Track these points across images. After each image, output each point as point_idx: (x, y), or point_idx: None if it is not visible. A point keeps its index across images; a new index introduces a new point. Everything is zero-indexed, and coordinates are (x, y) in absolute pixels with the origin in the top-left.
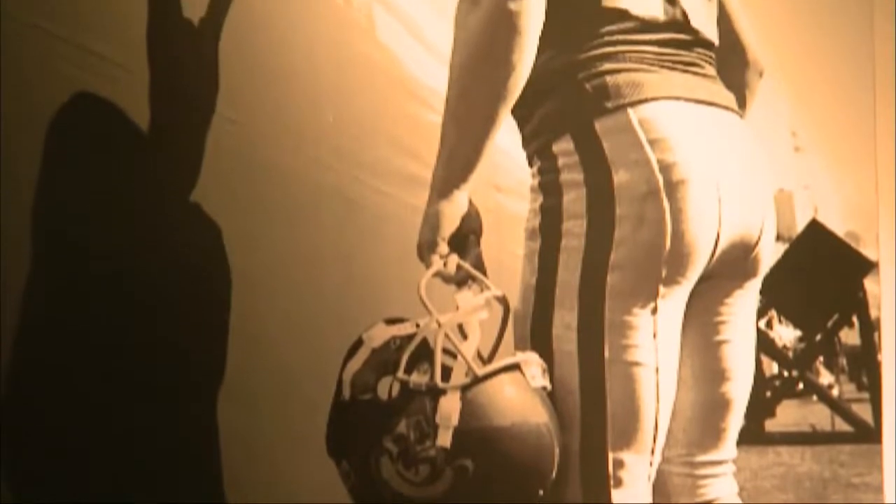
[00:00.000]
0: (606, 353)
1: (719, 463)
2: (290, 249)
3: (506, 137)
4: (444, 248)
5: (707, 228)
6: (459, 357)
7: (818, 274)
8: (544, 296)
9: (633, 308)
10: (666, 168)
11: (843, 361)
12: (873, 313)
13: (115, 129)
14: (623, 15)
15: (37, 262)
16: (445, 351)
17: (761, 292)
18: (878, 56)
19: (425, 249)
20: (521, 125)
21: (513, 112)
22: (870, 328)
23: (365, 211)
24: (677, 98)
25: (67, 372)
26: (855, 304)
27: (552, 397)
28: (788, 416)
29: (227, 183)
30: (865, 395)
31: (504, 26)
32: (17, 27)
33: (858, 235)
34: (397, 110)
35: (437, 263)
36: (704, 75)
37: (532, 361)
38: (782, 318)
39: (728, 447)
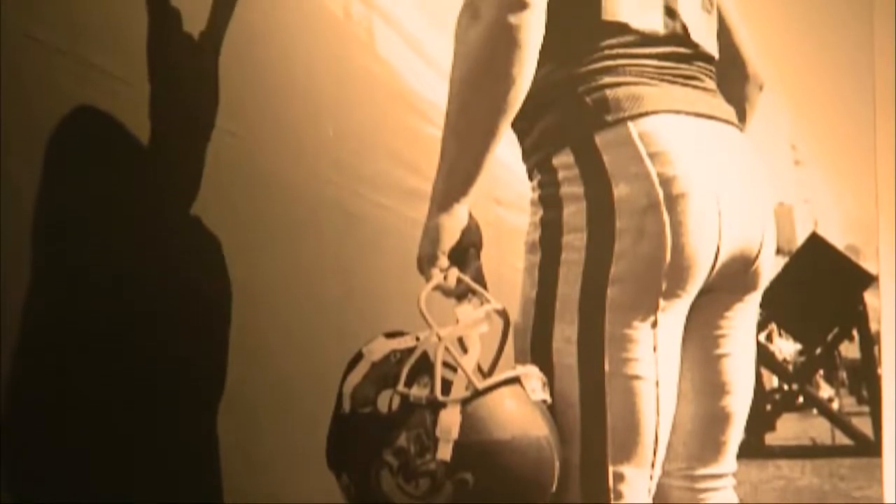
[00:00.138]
0: (606, 367)
1: (719, 476)
2: (290, 263)
3: (506, 151)
4: (444, 261)
5: (707, 242)
6: (459, 370)
7: (818, 287)
8: (544, 309)
9: (634, 321)
10: (666, 181)
11: (843, 375)
12: (873, 327)
13: (115, 142)
14: (623, 28)
15: (37, 275)
16: (445, 364)
17: (761, 306)
18: (878, 69)
19: (425, 263)
20: (522, 138)
21: (513, 125)
22: (870, 342)
23: (365, 224)
24: (677, 111)
25: (67, 383)
26: (855, 318)
27: (552, 410)
28: (788, 429)
29: (227, 196)
30: (865, 408)
31: (504, 40)
32: (18, 40)
33: (858, 249)
34: (397, 124)
35: (437, 277)
36: (704, 89)
37: (532, 375)
38: (782, 332)
39: (728, 460)
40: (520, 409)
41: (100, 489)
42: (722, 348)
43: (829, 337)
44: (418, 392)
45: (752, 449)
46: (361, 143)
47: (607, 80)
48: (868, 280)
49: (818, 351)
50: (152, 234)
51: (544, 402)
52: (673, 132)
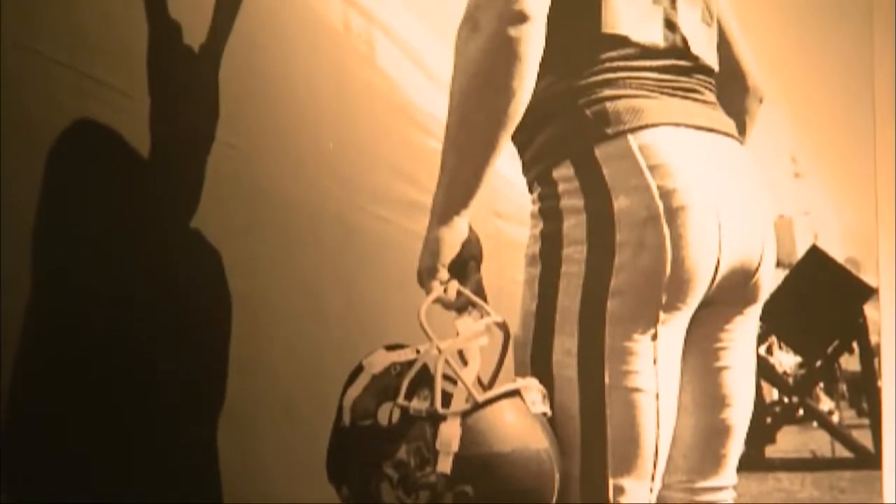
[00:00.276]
0: (607, 379)
1: (719, 489)
2: (290, 275)
3: (506, 163)
4: (444, 274)
5: (707, 254)
6: (460, 383)
7: (818, 300)
8: (544, 322)
9: (634, 334)
10: (666, 194)
11: (844, 387)
12: (873, 339)
13: (115, 155)
14: (623, 41)
15: (37, 287)
16: (446, 377)
17: (761, 318)
18: (877, 82)
19: (425, 275)
20: (522, 151)
21: (513, 138)
22: (870, 354)
23: (365, 237)
24: (677, 124)
25: (67, 397)
26: (855, 330)
27: (552, 423)
28: (789, 442)
29: (227, 208)
30: (866, 421)
31: (504, 52)
32: (18, 52)
33: (858, 261)
34: (397, 136)
35: (437, 289)
36: (704, 101)
37: (532, 387)
38: (782, 344)
39: (728, 473)
40: (520, 422)
41: (100, 501)
42: (722, 361)
43: (830, 349)
44: (418, 405)
45: (753, 462)
46: (361, 156)
47: (607, 92)
48: (868, 293)
49: (818, 363)
50: (152, 246)
51: (544, 414)
52: (673, 145)
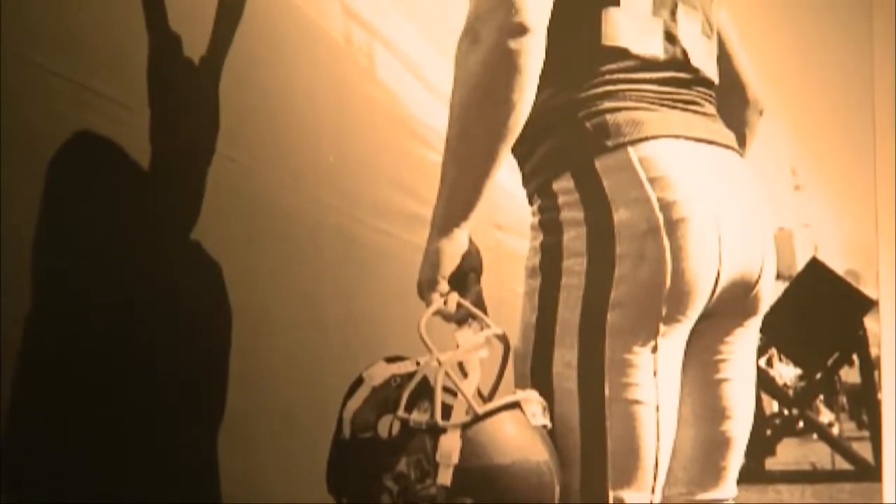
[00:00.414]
0: (607, 392)
1: (720, 501)
2: (290, 288)
3: (506, 175)
4: (444, 286)
5: (707, 267)
6: (460, 395)
7: (818, 312)
8: (544, 334)
9: (634, 346)
10: (666, 206)
11: (844, 400)
12: (873, 351)
13: (115, 167)
14: (623, 54)
15: (38, 299)
16: (446, 389)
17: (761, 330)
18: (877, 94)
19: (425, 287)
20: (522, 163)
21: (513, 150)
22: (870, 366)
23: (365, 249)
24: (677, 136)
25: (67, 409)
26: (855, 343)
27: (552, 435)
28: (789, 454)
29: (227, 221)
30: (866, 433)
31: (504, 65)
32: (18, 63)
33: (858, 274)
34: (398, 149)
35: (437, 301)
36: (704, 114)
37: (532, 399)
38: (783, 357)
39: (728, 486)
40: (520, 434)
41: (100, 503)
42: (722, 373)
43: (830, 362)
44: (418, 417)
45: (753, 474)
46: (362, 169)
47: (607, 104)
48: (868, 305)
49: (818, 376)
50: (152, 258)
51: (544, 426)
52: (673, 157)
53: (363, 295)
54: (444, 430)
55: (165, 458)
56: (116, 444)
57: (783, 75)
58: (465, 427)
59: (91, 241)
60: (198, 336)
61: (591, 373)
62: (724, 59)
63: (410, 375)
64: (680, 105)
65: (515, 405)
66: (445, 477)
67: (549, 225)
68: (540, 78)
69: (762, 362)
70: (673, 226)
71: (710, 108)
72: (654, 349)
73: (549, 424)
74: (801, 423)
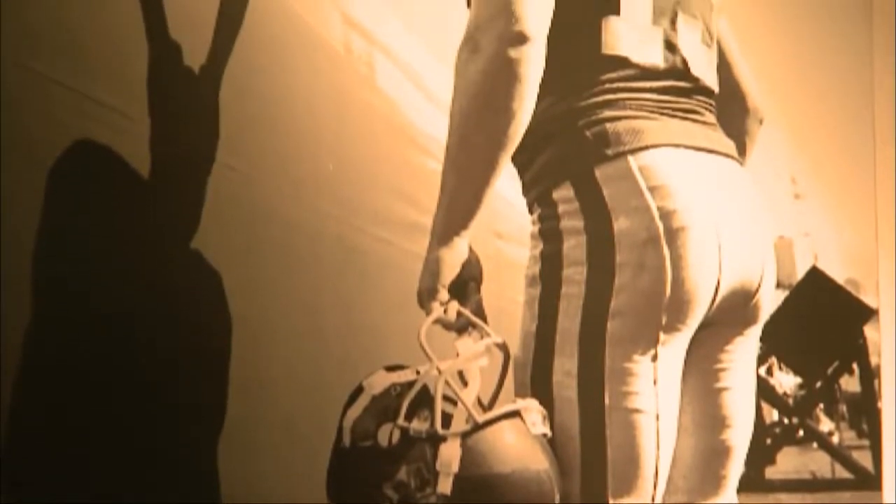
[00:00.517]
0: (607, 400)
1: None
2: (290, 297)
3: (506, 184)
4: (444, 294)
5: (707, 275)
6: (460, 404)
7: (818, 321)
8: (544, 342)
9: (634, 355)
10: (666, 215)
11: (844, 408)
12: (873, 360)
13: (115, 176)
14: (623, 62)
15: (38, 308)
16: (446, 398)
17: (761, 339)
18: (877, 103)
19: (425, 296)
20: (522, 172)
21: (513, 159)
22: (870, 375)
23: (365, 258)
24: (677, 145)
25: (67, 419)
26: (855, 351)
27: (552, 444)
28: (789, 463)
29: (227, 230)
30: (866, 442)
31: (504, 74)
32: (18, 73)
33: (858, 282)
34: (398, 158)
35: (437, 310)
36: (704, 122)
37: (532, 408)
38: (783, 365)
39: (728, 494)
40: (520, 443)
41: None
42: (722, 382)
43: (830, 370)
44: (418, 425)
45: (753, 483)
46: (361, 177)
47: (607, 113)
48: (868, 314)
49: (818, 384)
50: (152, 267)
51: (544, 435)
52: (673, 166)
53: (363, 303)
54: (444, 439)
55: (165, 466)
56: (117, 453)
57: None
58: (465, 436)
59: (91, 249)
60: (198, 344)
61: (591, 382)
62: (724, 67)
63: (410, 384)
64: (680, 114)
65: (515, 414)
66: (445, 486)
67: (549, 234)
68: (540, 87)
69: (762, 371)
70: (673, 234)
71: (710, 117)
72: (654, 358)
73: (549, 433)
74: (801, 432)
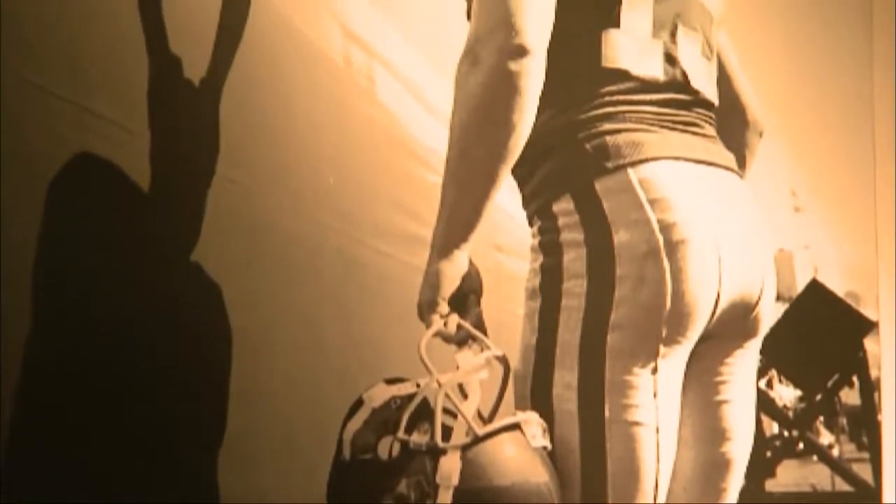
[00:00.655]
0: (607, 413)
1: None
2: (290, 309)
3: (506, 197)
4: (444, 307)
5: (707, 288)
6: (460, 417)
7: (818, 334)
8: (544, 355)
9: (634, 368)
10: (666, 228)
11: (844, 421)
12: (873, 373)
13: (115, 189)
14: (623, 75)
15: (38, 321)
16: (446, 410)
17: (761, 352)
18: (877, 116)
19: (426, 309)
20: (522, 185)
21: (513, 172)
22: (870, 388)
23: (365, 270)
24: (677, 158)
25: (66, 431)
26: (855, 364)
27: (552, 457)
28: (789, 476)
29: (227, 243)
30: (866, 454)
31: (504, 86)
32: (18, 85)
33: (858, 295)
34: (398, 170)
35: (437, 323)
36: (704, 135)
37: (532, 421)
38: (782, 378)
39: None
40: (520, 456)
41: None
42: (722, 395)
43: (830, 383)
44: (418, 438)
45: (753, 495)
46: (362, 190)
47: (607, 126)
48: (868, 326)
49: (818, 397)
50: (152, 280)
51: (544, 448)
52: (673, 179)
53: (363, 316)
54: (444, 452)
55: (166, 478)
56: (117, 465)
57: (783, 97)
58: (465, 448)
59: (92, 262)
60: (198, 357)
61: (591, 394)
62: (724, 80)
63: (410, 397)
64: (680, 126)
65: (515, 427)
66: (445, 498)
67: (549, 246)
68: (540, 99)
69: (762, 384)
70: (673, 247)
71: (710, 130)
72: (655, 371)
73: (549, 446)
74: (801, 445)
